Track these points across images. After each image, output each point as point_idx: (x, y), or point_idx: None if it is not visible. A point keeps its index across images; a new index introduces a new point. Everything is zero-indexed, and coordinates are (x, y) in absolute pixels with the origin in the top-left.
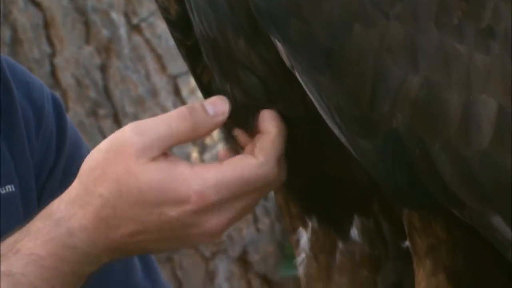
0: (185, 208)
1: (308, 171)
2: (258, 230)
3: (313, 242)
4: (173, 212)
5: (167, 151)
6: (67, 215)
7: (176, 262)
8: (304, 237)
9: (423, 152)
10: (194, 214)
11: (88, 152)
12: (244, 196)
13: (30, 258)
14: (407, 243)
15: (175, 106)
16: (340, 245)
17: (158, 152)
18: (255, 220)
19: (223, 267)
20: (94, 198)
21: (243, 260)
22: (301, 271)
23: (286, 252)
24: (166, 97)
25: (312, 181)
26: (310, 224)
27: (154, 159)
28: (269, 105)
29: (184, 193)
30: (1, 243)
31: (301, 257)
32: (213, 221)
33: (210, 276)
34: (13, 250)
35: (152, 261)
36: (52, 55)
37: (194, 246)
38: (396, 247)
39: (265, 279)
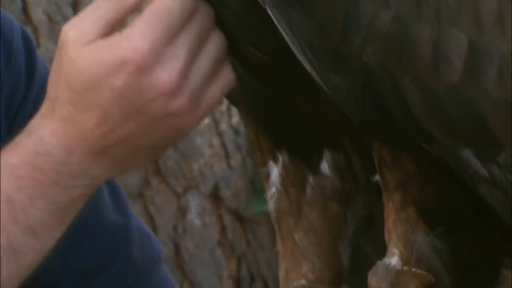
0: (127, 71)
1: (279, 106)
2: (229, 166)
3: (283, 176)
4: (119, 80)
5: (108, 33)
6: (37, 125)
7: (148, 197)
8: (274, 171)
9: (394, 87)
10: (139, 75)
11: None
12: (179, 37)
13: (5, 169)
14: (377, 177)
15: None
16: (311, 179)
17: (93, 35)
18: (227, 156)
19: (194, 202)
20: (56, 102)
21: (214, 196)
22: (271, 205)
23: (257, 188)
24: None
25: (283, 116)
26: (280, 158)
27: (90, 42)
28: (242, 39)
29: (120, 55)
30: None
31: (272, 191)
32: (163, 74)
33: (182, 211)
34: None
35: (122, 195)
36: None
37: (181, 130)
38: (366, 181)
39: (236, 214)
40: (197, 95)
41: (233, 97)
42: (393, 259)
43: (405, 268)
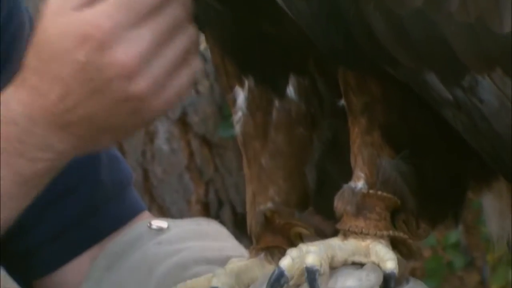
0: (89, 47)
1: (244, 30)
2: (197, 92)
3: (249, 100)
4: (81, 55)
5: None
6: (9, 94)
7: None
8: (240, 95)
9: (358, 13)
10: (99, 52)
11: (28, 12)
12: (147, 22)
13: None
14: (342, 101)
15: None
16: (277, 103)
17: (74, 3)
18: (194, 82)
19: (163, 128)
20: (26, 71)
21: (182, 122)
22: (237, 129)
23: (225, 113)
24: None
25: (248, 40)
26: (246, 82)
27: (66, 13)
28: None
29: (83, 30)
30: None
31: (238, 115)
32: (122, 55)
33: (150, 137)
34: None
35: None
36: None
37: (144, 114)
38: (332, 105)
39: (204, 139)
40: (161, 81)
41: (199, 22)
42: (359, 183)
43: (371, 191)
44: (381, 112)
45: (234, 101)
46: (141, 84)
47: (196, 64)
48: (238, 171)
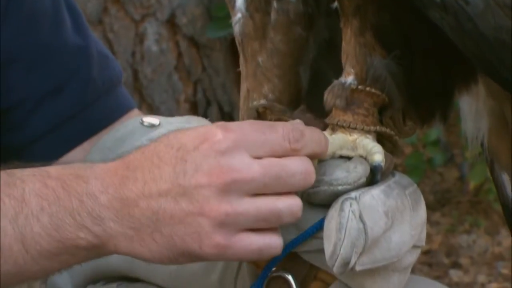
0: (200, 155)
1: None
2: None
3: (249, 2)
4: (191, 158)
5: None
6: (96, 171)
7: (107, 24)
8: None
9: None
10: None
11: None
12: (264, 199)
13: (39, 172)
14: (336, 4)
15: None
16: (275, 4)
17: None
18: None
19: (152, 29)
20: (128, 172)
21: (171, 23)
22: (236, 29)
23: (213, 15)
24: None
25: None
26: None
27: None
28: None
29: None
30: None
31: (237, 16)
32: (224, 204)
33: (140, 38)
34: (40, 170)
35: (82, 19)
36: None
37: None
38: (328, 5)
39: (192, 40)
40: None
41: None
42: (349, 78)
43: (360, 87)
44: (372, 13)
45: (234, 2)
46: (220, 233)
47: (277, 244)
48: (225, 72)
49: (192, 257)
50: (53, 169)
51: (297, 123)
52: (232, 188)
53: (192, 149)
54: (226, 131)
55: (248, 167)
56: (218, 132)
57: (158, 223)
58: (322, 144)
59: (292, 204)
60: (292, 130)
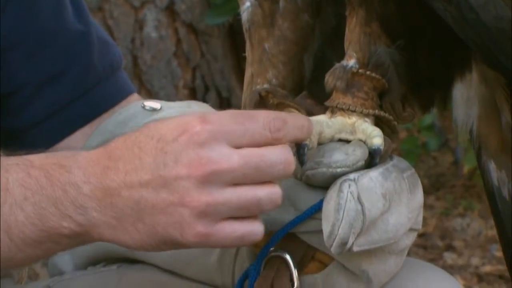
0: (183, 143)
1: None
2: None
3: None
4: (170, 147)
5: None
6: (78, 159)
7: (107, 11)
8: None
9: None
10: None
11: None
12: (244, 188)
13: (22, 162)
14: None
15: None
16: None
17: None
18: None
19: (151, 16)
20: (110, 161)
21: (170, 10)
22: (245, 17)
23: (211, 2)
24: None
25: None
26: None
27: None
28: None
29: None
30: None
31: (246, 5)
32: (204, 194)
33: (139, 24)
34: (24, 159)
35: (83, 5)
36: None
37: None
38: None
39: (191, 27)
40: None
41: None
42: (351, 61)
43: (360, 70)
44: (378, 4)
45: None
46: (202, 222)
47: (258, 231)
48: (223, 58)
49: (174, 245)
50: (36, 158)
51: (279, 112)
52: (212, 179)
53: (171, 141)
54: (204, 123)
55: (227, 158)
56: (196, 124)
57: (140, 213)
58: (305, 129)
59: (271, 193)
60: (274, 119)
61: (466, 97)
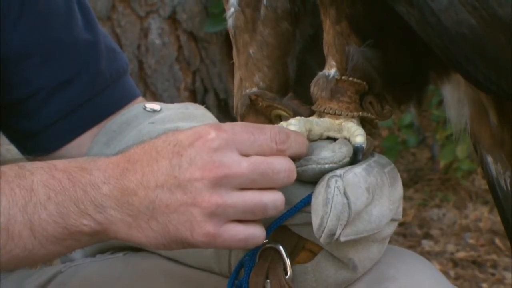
0: (197, 150)
1: None
2: None
3: None
4: (188, 153)
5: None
6: (100, 165)
7: (115, 20)
8: None
9: None
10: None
11: None
12: (250, 192)
13: (47, 165)
14: None
15: None
16: (264, 1)
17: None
18: None
19: (155, 25)
20: (129, 164)
21: (173, 19)
22: (230, 23)
23: (210, 11)
24: None
25: None
26: None
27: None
28: None
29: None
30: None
31: (230, 11)
32: (214, 196)
33: (145, 32)
34: (48, 163)
35: (92, 16)
36: None
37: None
38: (314, 4)
39: (191, 35)
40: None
41: None
42: (332, 70)
43: (343, 77)
44: (347, 4)
45: None
46: (211, 222)
47: (260, 234)
48: (221, 63)
49: (184, 244)
50: (59, 163)
51: (283, 127)
52: (223, 182)
53: (187, 145)
54: (219, 131)
55: (238, 164)
56: (211, 131)
57: (154, 212)
58: (304, 146)
59: (276, 199)
60: (279, 132)
61: (457, 98)
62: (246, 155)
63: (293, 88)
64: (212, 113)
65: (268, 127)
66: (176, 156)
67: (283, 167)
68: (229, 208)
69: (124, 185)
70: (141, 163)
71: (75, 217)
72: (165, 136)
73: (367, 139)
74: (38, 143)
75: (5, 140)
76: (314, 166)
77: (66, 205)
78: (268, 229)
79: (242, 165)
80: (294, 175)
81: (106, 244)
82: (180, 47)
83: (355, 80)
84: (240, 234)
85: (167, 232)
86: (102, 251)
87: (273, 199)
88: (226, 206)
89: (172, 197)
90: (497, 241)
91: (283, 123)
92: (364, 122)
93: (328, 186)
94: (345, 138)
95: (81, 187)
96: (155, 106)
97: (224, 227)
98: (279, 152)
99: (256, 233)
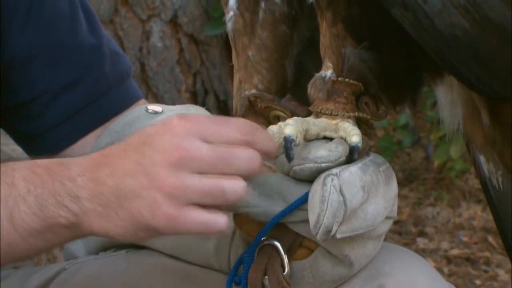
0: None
1: None
2: None
3: (240, 1)
4: (154, 146)
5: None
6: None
7: (117, 24)
8: None
9: None
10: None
11: None
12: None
13: (29, 162)
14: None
15: None
16: (263, 4)
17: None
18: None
19: (157, 28)
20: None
21: (174, 22)
22: (229, 26)
23: (210, 15)
24: None
25: None
26: None
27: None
28: None
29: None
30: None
31: (230, 15)
32: (179, 176)
33: (146, 35)
34: (29, 160)
35: (96, 20)
36: None
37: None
38: (311, 8)
39: (192, 38)
40: (186, 208)
41: None
42: (328, 72)
43: (339, 79)
44: (343, 6)
45: (227, 2)
46: (170, 204)
47: (222, 220)
48: (221, 65)
49: (149, 230)
50: (41, 160)
51: (251, 122)
52: (182, 164)
53: (153, 134)
54: (182, 119)
55: (198, 148)
56: (175, 120)
57: (121, 199)
58: (272, 143)
59: (236, 184)
60: (245, 125)
61: (450, 99)
62: (210, 143)
63: (291, 90)
64: (212, 114)
65: (234, 119)
66: (141, 145)
67: (244, 154)
68: (188, 190)
69: (97, 176)
70: (113, 155)
71: (53, 208)
72: (139, 131)
73: (362, 139)
74: (43, 144)
75: (10, 140)
76: (311, 164)
77: (44, 197)
78: (266, 226)
79: (201, 149)
80: (257, 164)
81: (109, 241)
82: (181, 50)
83: (351, 81)
84: (200, 217)
85: (132, 219)
86: (105, 249)
87: (233, 184)
88: (184, 187)
89: (135, 182)
90: (490, 238)
91: (280, 123)
92: (360, 123)
93: (324, 184)
94: (342, 138)
95: (59, 180)
96: (157, 107)
97: (184, 209)
98: (246, 144)
99: (217, 218)
